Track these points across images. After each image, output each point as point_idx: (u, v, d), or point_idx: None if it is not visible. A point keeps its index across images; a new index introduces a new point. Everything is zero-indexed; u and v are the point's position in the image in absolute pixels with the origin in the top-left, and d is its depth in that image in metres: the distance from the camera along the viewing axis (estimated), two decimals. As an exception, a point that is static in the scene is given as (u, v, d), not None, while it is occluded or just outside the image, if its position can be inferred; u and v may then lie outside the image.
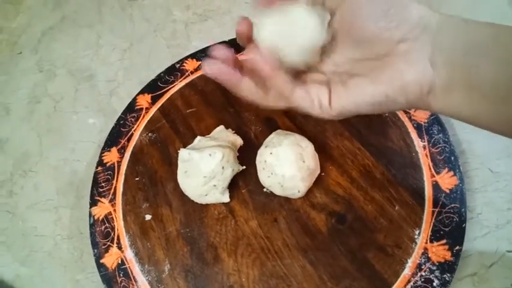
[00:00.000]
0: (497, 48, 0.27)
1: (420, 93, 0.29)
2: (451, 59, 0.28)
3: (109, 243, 0.48)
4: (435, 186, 0.46)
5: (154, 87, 0.59)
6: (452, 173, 0.46)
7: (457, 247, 0.42)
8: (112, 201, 0.51)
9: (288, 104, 0.33)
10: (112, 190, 0.52)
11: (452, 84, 0.28)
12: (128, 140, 0.55)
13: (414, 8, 0.29)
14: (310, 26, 0.30)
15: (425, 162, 0.48)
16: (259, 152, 0.49)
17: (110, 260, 0.47)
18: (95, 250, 0.48)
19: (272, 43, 0.31)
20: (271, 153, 0.46)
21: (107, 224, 0.49)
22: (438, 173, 0.47)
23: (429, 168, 0.47)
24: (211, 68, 0.32)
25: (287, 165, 0.45)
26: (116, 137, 0.56)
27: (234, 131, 0.53)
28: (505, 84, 0.26)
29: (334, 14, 0.31)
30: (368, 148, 0.50)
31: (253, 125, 0.54)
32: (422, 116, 0.51)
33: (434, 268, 0.42)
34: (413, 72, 0.29)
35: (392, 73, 0.30)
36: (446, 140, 0.49)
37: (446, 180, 0.46)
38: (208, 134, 0.53)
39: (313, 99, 0.32)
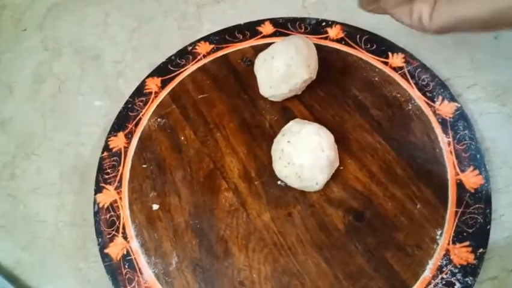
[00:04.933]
0: None
1: None
2: None
3: (114, 232, 0.46)
4: (460, 185, 0.44)
5: (164, 71, 0.56)
6: (477, 171, 0.44)
7: (481, 250, 0.40)
8: (118, 188, 0.49)
9: (389, 14, 0.33)
10: (118, 177, 0.49)
11: None
12: (136, 125, 0.53)
13: None
14: None
15: (449, 159, 0.45)
16: (276, 140, 0.46)
17: (115, 250, 0.45)
18: (100, 239, 0.46)
19: None
20: (288, 141, 0.44)
21: (112, 213, 0.47)
22: (463, 171, 0.45)
23: (454, 166, 0.45)
24: None
25: (306, 155, 0.43)
26: (123, 122, 0.53)
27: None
28: None
29: None
30: (389, 142, 0.47)
31: (268, 114, 0.51)
32: (447, 111, 0.48)
33: (456, 271, 0.40)
34: None
35: None
36: (472, 136, 0.46)
37: (471, 179, 0.44)
38: (220, 121, 0.51)
39: (414, 12, 0.31)
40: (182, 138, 0.51)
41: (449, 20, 0.29)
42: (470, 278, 0.39)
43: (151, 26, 0.66)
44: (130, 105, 0.54)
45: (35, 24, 0.69)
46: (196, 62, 0.57)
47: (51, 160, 0.56)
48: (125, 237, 0.46)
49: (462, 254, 0.41)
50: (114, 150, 0.51)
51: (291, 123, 0.47)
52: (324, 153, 0.43)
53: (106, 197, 0.48)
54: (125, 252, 0.45)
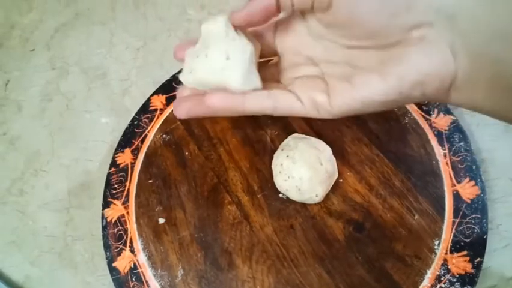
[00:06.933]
0: None
1: (440, 87, 0.25)
2: (474, 48, 0.24)
3: (121, 246, 0.47)
4: (456, 196, 0.45)
5: (168, 88, 0.58)
6: (473, 182, 0.45)
7: (478, 259, 0.42)
8: (125, 203, 0.50)
9: (273, 113, 0.30)
10: (125, 192, 0.51)
11: (477, 76, 0.25)
12: (142, 141, 0.54)
13: None
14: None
15: (445, 170, 0.47)
16: (276, 155, 0.48)
17: (123, 263, 0.46)
18: (108, 253, 0.47)
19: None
20: (287, 156, 0.46)
21: (119, 227, 0.49)
22: (459, 182, 0.46)
23: (450, 177, 0.46)
24: (181, 112, 0.31)
25: (304, 168, 0.44)
26: (129, 138, 0.55)
27: None
28: None
29: (328, 8, 0.27)
30: (387, 155, 0.49)
31: (269, 129, 0.53)
32: (442, 124, 0.50)
33: (454, 280, 0.41)
34: (432, 63, 0.25)
35: (406, 66, 0.25)
36: (468, 148, 0.47)
37: (467, 190, 0.45)
38: (223, 136, 0.53)
39: (305, 103, 0.29)
40: (187, 153, 0.53)
41: (355, 103, 0.27)
42: (468, 287, 0.40)
43: (155, 44, 0.68)
44: (136, 122, 0.56)
45: (42, 43, 0.71)
46: (199, 79, 0.59)
47: (60, 176, 0.58)
48: (132, 251, 0.47)
49: (460, 263, 0.42)
50: (121, 166, 0.53)
51: (289, 138, 0.48)
52: (323, 166, 0.45)
53: (114, 211, 0.50)
54: (132, 266, 0.46)
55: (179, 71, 0.59)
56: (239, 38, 0.29)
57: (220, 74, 0.28)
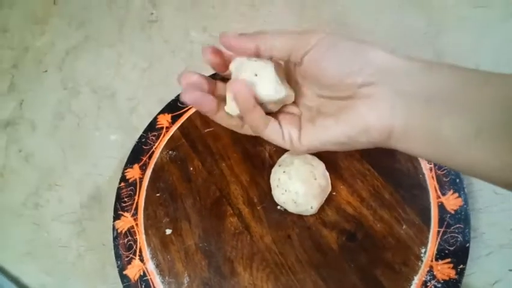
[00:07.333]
0: (460, 102, 0.27)
1: (380, 137, 0.30)
2: (411, 106, 0.28)
3: (131, 255, 0.51)
4: (441, 207, 0.49)
5: (174, 107, 0.62)
6: (457, 194, 0.49)
7: (461, 266, 0.45)
8: (134, 215, 0.54)
9: (261, 136, 0.35)
10: (134, 205, 0.55)
11: (413, 131, 0.29)
12: (150, 158, 0.58)
13: (376, 53, 0.30)
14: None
15: (431, 184, 0.50)
16: (273, 170, 0.52)
17: (133, 271, 0.50)
18: (119, 262, 0.51)
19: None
20: (284, 171, 0.49)
21: (129, 237, 0.52)
22: (444, 194, 0.49)
23: (435, 190, 0.50)
24: (190, 96, 0.33)
25: (299, 183, 0.48)
26: (138, 154, 0.59)
27: None
28: (463, 140, 0.27)
29: (301, 64, 0.32)
30: (377, 169, 0.52)
31: (268, 145, 0.57)
32: (428, 140, 0.53)
33: (439, 286, 0.44)
34: (374, 117, 0.29)
35: (354, 115, 0.30)
36: (452, 162, 0.51)
37: (451, 202, 0.49)
38: (225, 152, 0.56)
39: (285, 135, 0.34)
40: (191, 168, 0.57)
41: (313, 142, 0.33)
42: (452, 291, 0.44)
43: (161, 65, 0.72)
44: (143, 140, 0.60)
45: (55, 65, 0.75)
46: (203, 99, 0.62)
47: (72, 190, 0.61)
48: (141, 260, 0.51)
49: (444, 270, 0.45)
50: (130, 180, 0.57)
51: (285, 154, 0.52)
52: (317, 181, 0.48)
53: (124, 223, 0.53)
54: (141, 273, 0.50)
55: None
56: (259, 59, 0.33)
57: (254, 90, 0.33)
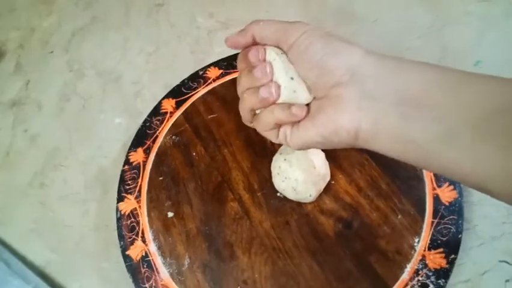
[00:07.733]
0: (430, 104, 0.27)
1: (348, 138, 0.30)
2: (379, 108, 0.29)
3: (134, 236, 0.53)
4: (436, 199, 0.50)
5: (178, 93, 0.63)
6: (452, 187, 0.50)
7: (452, 256, 0.46)
8: (138, 198, 0.55)
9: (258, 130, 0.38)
10: (138, 188, 0.56)
11: (380, 133, 0.29)
12: (153, 142, 0.59)
13: (351, 53, 0.30)
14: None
15: (427, 175, 0.51)
16: (274, 158, 0.53)
17: (135, 252, 0.52)
18: (122, 242, 0.52)
19: None
20: (285, 159, 0.50)
21: (132, 219, 0.54)
22: (439, 186, 0.51)
23: (432, 182, 0.51)
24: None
25: (299, 171, 0.49)
26: (142, 138, 0.60)
27: None
28: (433, 143, 0.27)
29: (290, 49, 0.33)
30: (375, 160, 0.53)
31: (270, 133, 0.58)
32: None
33: (430, 274, 0.46)
34: (342, 118, 0.30)
35: (325, 117, 0.31)
36: (449, 155, 0.52)
37: (446, 194, 0.50)
38: (228, 138, 0.58)
39: (280, 134, 0.36)
40: (194, 154, 0.58)
41: (300, 142, 0.34)
42: (443, 280, 0.45)
43: (166, 49, 0.73)
44: (147, 124, 0.61)
45: (61, 46, 0.76)
46: (207, 85, 0.64)
47: (77, 171, 0.63)
48: (144, 241, 0.52)
49: (436, 259, 0.46)
50: (134, 164, 0.58)
51: (286, 143, 0.53)
52: (316, 170, 0.50)
53: (127, 205, 0.55)
54: (144, 254, 0.51)
55: (188, 77, 0.65)
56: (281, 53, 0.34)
57: (292, 95, 0.34)
